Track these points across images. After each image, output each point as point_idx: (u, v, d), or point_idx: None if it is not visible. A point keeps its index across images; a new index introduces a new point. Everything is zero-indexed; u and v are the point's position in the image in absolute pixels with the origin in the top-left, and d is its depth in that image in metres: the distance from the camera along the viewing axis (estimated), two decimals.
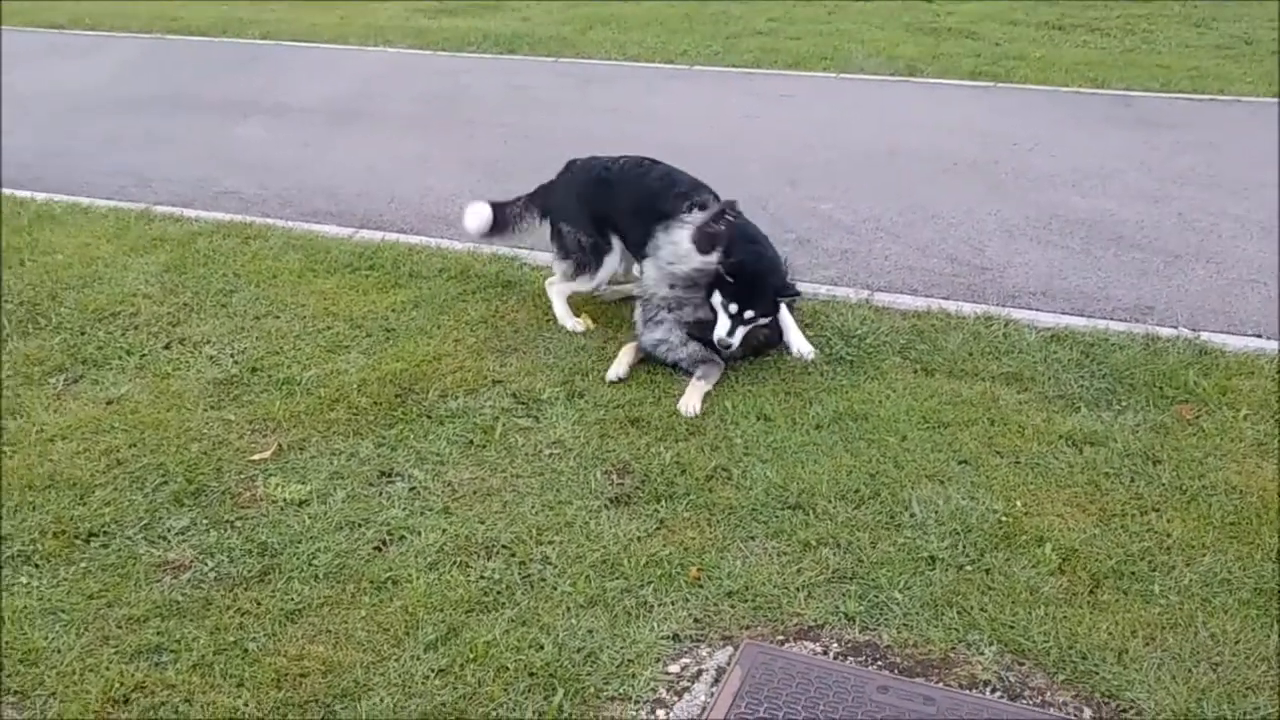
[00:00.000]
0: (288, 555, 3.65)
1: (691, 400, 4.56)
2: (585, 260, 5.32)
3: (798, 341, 5.04)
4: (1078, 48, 11.56)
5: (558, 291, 5.44)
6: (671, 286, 4.87)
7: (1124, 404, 4.59)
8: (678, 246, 4.82)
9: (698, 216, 4.84)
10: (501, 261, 6.04)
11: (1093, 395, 4.66)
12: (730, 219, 4.82)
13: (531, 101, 9.80)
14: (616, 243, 5.31)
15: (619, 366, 4.83)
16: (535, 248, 6.32)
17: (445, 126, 9.07)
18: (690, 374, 4.76)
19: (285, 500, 3.95)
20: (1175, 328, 5.28)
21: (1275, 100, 9.43)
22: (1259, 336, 5.27)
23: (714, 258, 4.77)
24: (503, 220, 5.52)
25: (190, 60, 11.63)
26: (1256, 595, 3.48)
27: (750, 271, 4.76)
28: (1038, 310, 5.55)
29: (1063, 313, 5.52)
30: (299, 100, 9.88)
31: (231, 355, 5.00)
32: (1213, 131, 8.63)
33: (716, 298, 4.79)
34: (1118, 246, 6.39)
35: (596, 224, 5.29)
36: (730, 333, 4.72)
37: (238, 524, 3.82)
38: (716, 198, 5.02)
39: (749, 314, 4.75)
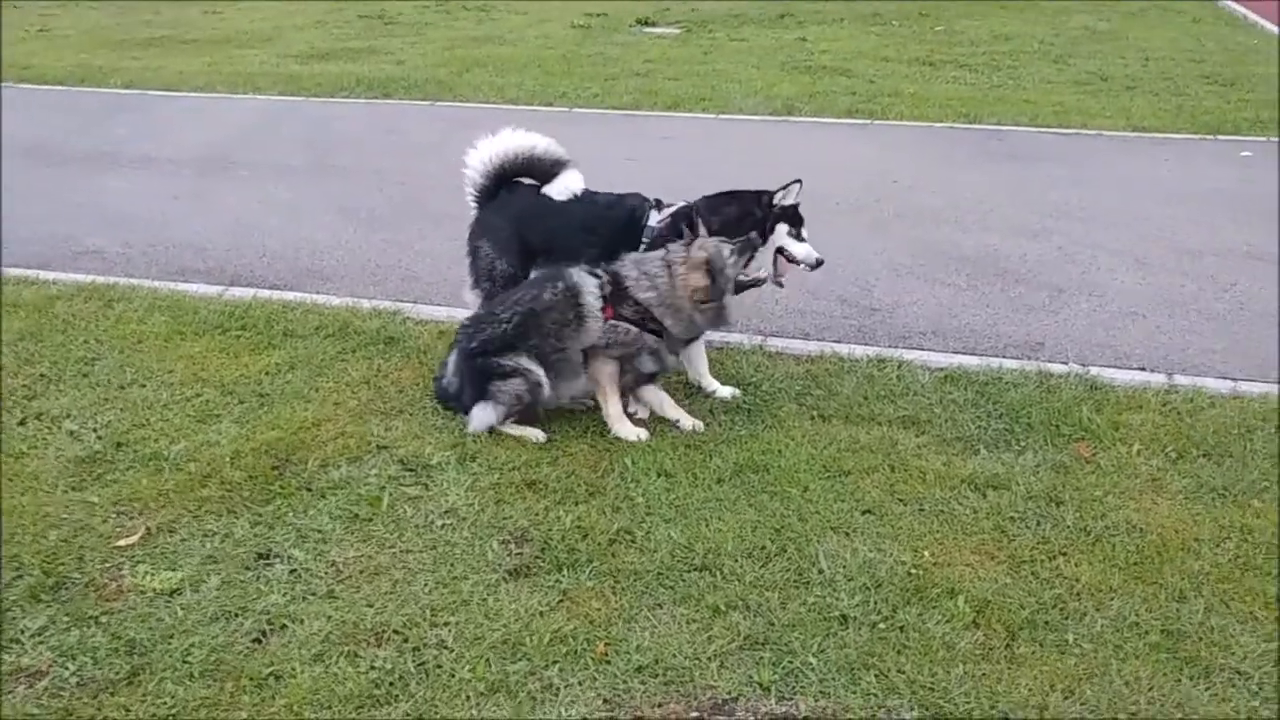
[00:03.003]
0: (159, 653, 3.35)
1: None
2: (494, 294, 4.94)
3: (713, 382, 5.03)
4: (948, 84, 11.82)
5: None
6: None
7: (1022, 444, 4.58)
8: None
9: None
10: (383, 317, 5.79)
11: (991, 436, 4.64)
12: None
13: (408, 147, 9.57)
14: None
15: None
16: (419, 300, 6.12)
17: (319, 175, 8.76)
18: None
19: (155, 590, 3.64)
20: (1066, 363, 5.33)
21: (1134, 134, 9.77)
22: (1143, 370, 5.35)
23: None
24: None
25: (46, 110, 11.06)
26: (1165, 638, 3.45)
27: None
28: (929, 350, 5.54)
29: (955, 352, 5.53)
30: (165, 151, 9.44)
31: (94, 429, 4.65)
32: (1081, 165, 8.88)
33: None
34: (1003, 282, 6.46)
35: (524, 253, 5.01)
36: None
37: (102, 620, 3.50)
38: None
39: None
